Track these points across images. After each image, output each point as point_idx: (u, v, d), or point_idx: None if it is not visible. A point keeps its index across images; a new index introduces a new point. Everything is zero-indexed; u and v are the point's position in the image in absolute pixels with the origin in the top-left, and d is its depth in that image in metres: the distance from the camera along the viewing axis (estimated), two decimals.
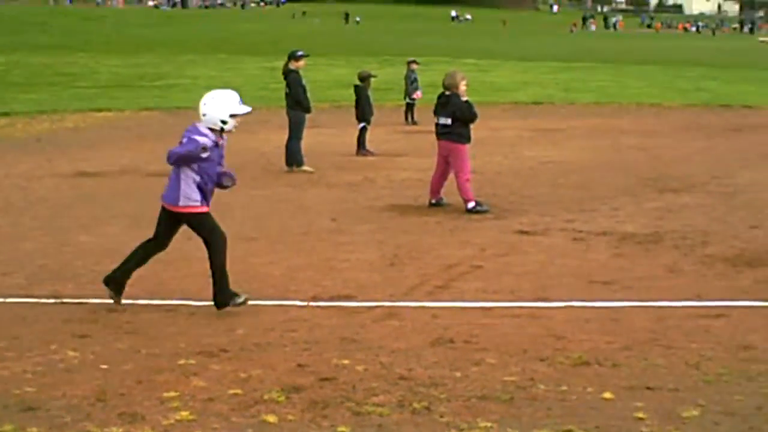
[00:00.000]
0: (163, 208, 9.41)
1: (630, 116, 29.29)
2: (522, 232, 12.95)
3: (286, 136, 18.68)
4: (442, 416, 6.65)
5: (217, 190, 9.49)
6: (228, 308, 9.26)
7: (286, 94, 18.58)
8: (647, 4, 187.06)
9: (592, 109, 31.45)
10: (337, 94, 31.22)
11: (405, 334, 8.58)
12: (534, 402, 6.94)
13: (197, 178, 9.18)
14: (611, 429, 6.48)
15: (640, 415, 6.70)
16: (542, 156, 20.49)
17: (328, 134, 23.79)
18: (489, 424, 6.51)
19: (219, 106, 9.18)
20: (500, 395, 7.05)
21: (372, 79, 21.86)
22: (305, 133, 18.61)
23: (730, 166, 19.14)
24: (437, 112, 14.65)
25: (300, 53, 18.55)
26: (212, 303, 9.32)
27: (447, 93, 14.53)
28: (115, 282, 9.52)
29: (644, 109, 31.50)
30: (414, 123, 26.77)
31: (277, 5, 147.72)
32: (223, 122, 9.19)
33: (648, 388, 7.26)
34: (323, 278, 10.57)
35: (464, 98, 14.47)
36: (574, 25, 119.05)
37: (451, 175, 14.58)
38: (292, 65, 18.44)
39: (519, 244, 12.27)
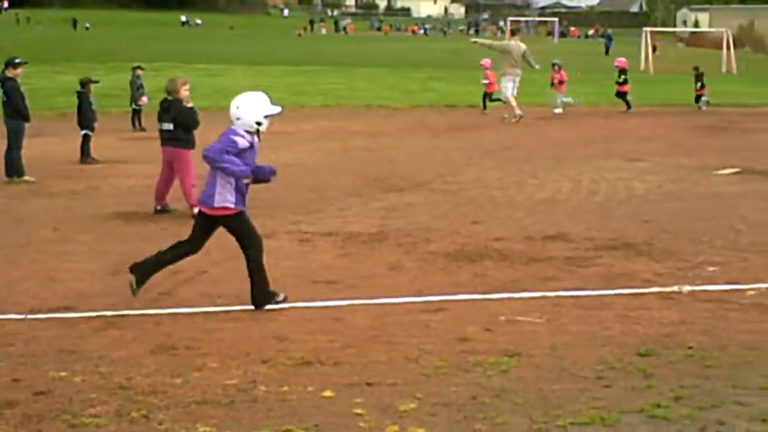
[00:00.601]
0: (200, 212, 9.68)
1: (359, 118, 29.66)
2: None
3: (4, 147, 18.04)
4: (160, 424, 6.57)
5: None
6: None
7: (3, 103, 17.94)
8: (377, 7, 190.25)
9: (321, 111, 31.69)
10: (63, 101, 30.34)
11: (126, 343, 8.44)
12: (255, 404, 6.95)
13: (234, 181, 9.40)
14: (330, 426, 6.55)
15: (359, 410, 6.80)
16: (272, 160, 20.38)
17: (52, 143, 23.10)
18: (208, 429, 6.48)
19: (253, 108, 9.48)
20: (221, 399, 7.02)
21: (93, 85, 21.30)
22: (25, 142, 18.00)
23: (454, 165, 19.65)
24: (160, 118, 14.50)
25: (18, 60, 17.93)
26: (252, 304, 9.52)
27: (169, 98, 14.39)
28: (141, 272, 9.64)
29: (373, 111, 31.96)
30: (142, 129, 26.31)
31: None
32: (258, 123, 9.52)
33: (368, 384, 7.38)
34: (42, 290, 10.27)
35: (189, 104, 14.35)
36: (304, 29, 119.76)
37: (177, 181, 14.43)
38: (10, 73, 17.81)
39: None
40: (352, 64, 56.52)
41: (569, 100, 31.86)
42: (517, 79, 28.87)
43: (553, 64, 31.45)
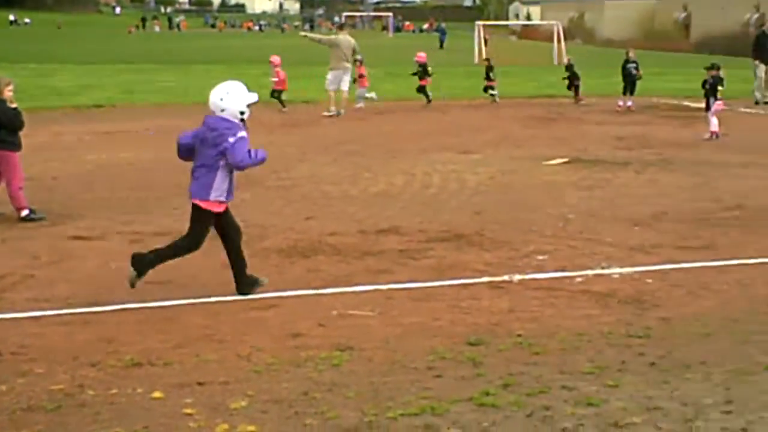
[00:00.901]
0: (195, 206, 9.71)
1: (194, 116, 29.22)
2: (78, 238, 12.66)
3: None
4: None
5: None
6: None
7: None
8: (211, 4, 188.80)
9: (155, 110, 31.26)
10: None
11: None
12: (82, 408, 6.83)
13: (227, 173, 9.65)
14: (159, 428, 6.48)
15: (189, 410, 6.75)
16: (103, 159, 20.13)
17: None
18: None
19: (236, 98, 9.61)
20: (47, 405, 6.88)
21: None
22: None
23: (288, 161, 19.60)
24: None
25: None
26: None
27: None
28: (141, 264, 9.67)
29: (207, 109, 31.56)
30: None
31: None
32: (242, 113, 9.65)
33: (199, 383, 7.32)
34: None
35: (12, 105, 13.99)
36: (136, 26, 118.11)
37: (3, 184, 14.07)
38: None
39: (75, 250, 12.00)
40: (186, 61, 55.92)
41: (372, 95, 31.86)
42: (347, 74, 29.00)
43: (356, 60, 31.28)
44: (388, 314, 9.17)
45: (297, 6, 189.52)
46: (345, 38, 29.42)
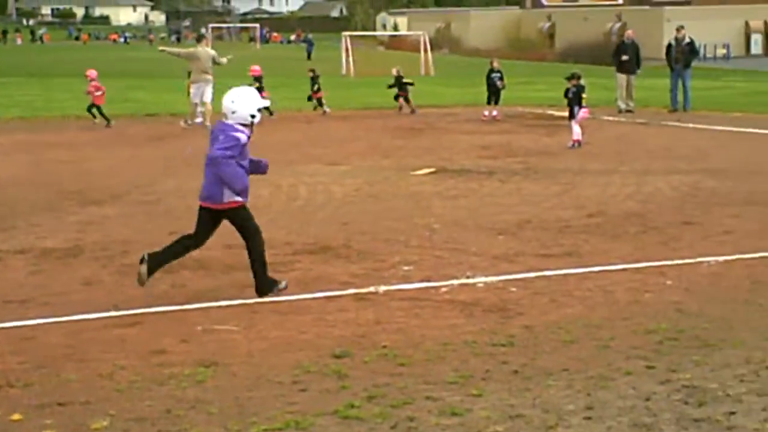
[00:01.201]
0: (203, 208, 10.12)
1: (56, 130, 28.81)
2: None
3: None
4: None
5: None
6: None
7: None
8: (74, 15, 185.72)
9: (16, 124, 30.64)
10: None
11: None
12: None
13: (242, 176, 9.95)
14: None
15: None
16: None
17: None
18: None
19: (247, 102, 10.09)
20: None
21: None
22: None
23: (154, 175, 19.39)
24: None
25: None
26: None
27: None
28: (151, 262, 10.13)
29: (70, 122, 31.04)
30: None
31: None
32: (252, 116, 10.10)
33: (59, 404, 7.19)
34: None
35: None
36: None
37: None
38: None
39: None
40: (49, 74, 55.00)
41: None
42: (209, 86, 28.81)
43: (189, 72, 30.70)
44: (253, 329, 9.12)
45: (163, 18, 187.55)
46: (204, 50, 29.38)
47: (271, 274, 11.11)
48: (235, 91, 10.19)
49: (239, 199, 10.02)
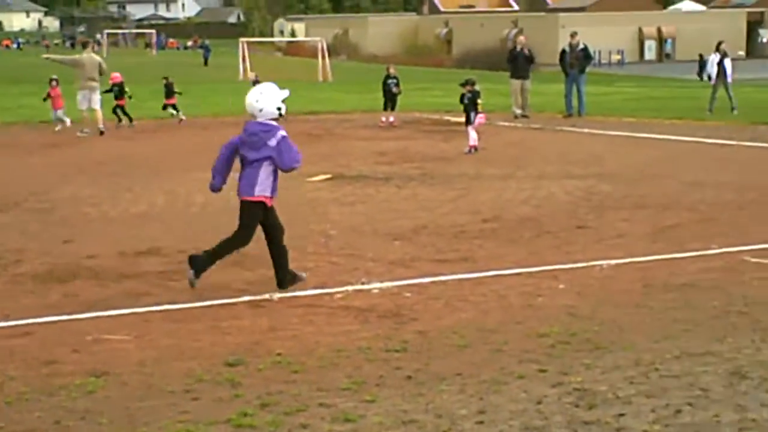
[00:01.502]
0: (243, 202, 10.47)
1: None
2: None
3: None
4: None
5: None
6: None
7: None
8: None
9: None
10: None
11: None
12: None
13: (271, 171, 10.37)
14: None
15: None
16: None
17: None
18: None
19: (271, 97, 10.34)
20: None
21: None
22: None
23: (49, 183, 19.13)
24: None
25: None
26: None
27: None
28: (198, 264, 10.46)
29: None
30: None
31: None
32: (279, 109, 10.35)
33: None
34: None
35: None
36: None
37: None
38: None
39: None
40: None
41: (66, 119, 30.25)
42: (96, 93, 28.60)
43: (51, 80, 30.42)
44: (144, 337, 9.03)
45: (57, 23, 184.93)
46: (89, 57, 29.13)
47: (164, 282, 11.07)
48: (257, 89, 10.51)
49: (269, 194, 10.51)
